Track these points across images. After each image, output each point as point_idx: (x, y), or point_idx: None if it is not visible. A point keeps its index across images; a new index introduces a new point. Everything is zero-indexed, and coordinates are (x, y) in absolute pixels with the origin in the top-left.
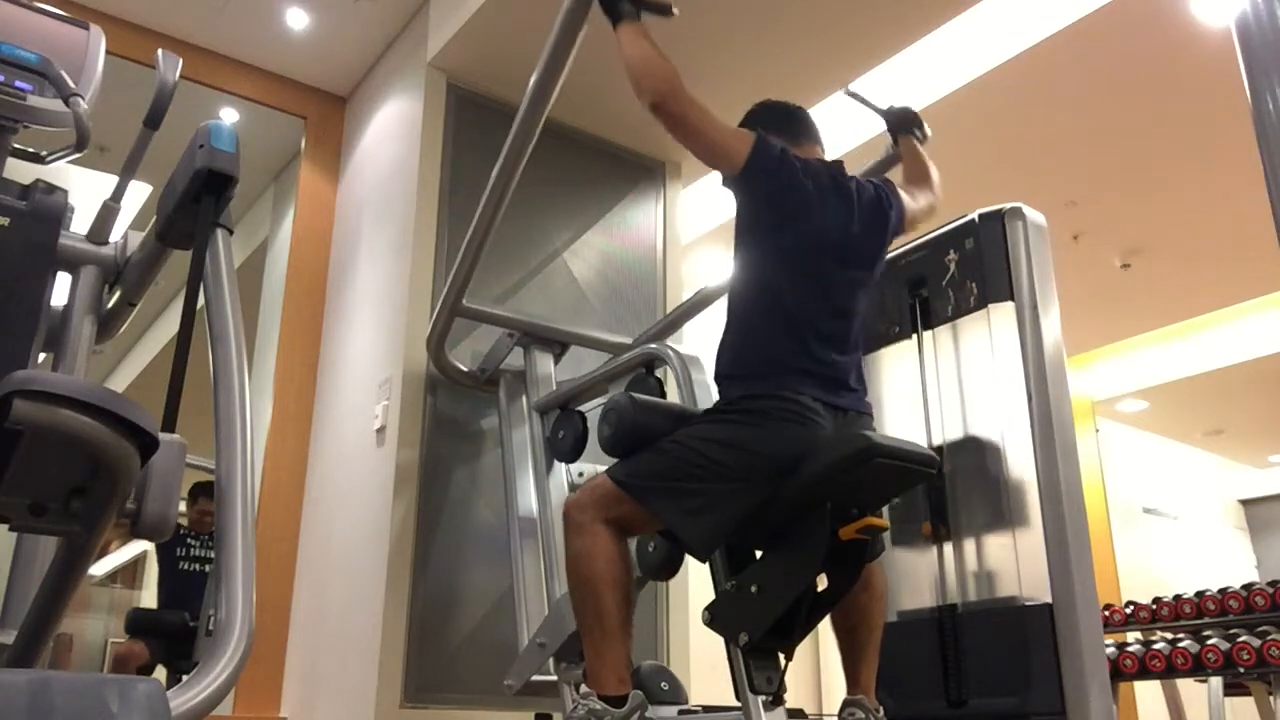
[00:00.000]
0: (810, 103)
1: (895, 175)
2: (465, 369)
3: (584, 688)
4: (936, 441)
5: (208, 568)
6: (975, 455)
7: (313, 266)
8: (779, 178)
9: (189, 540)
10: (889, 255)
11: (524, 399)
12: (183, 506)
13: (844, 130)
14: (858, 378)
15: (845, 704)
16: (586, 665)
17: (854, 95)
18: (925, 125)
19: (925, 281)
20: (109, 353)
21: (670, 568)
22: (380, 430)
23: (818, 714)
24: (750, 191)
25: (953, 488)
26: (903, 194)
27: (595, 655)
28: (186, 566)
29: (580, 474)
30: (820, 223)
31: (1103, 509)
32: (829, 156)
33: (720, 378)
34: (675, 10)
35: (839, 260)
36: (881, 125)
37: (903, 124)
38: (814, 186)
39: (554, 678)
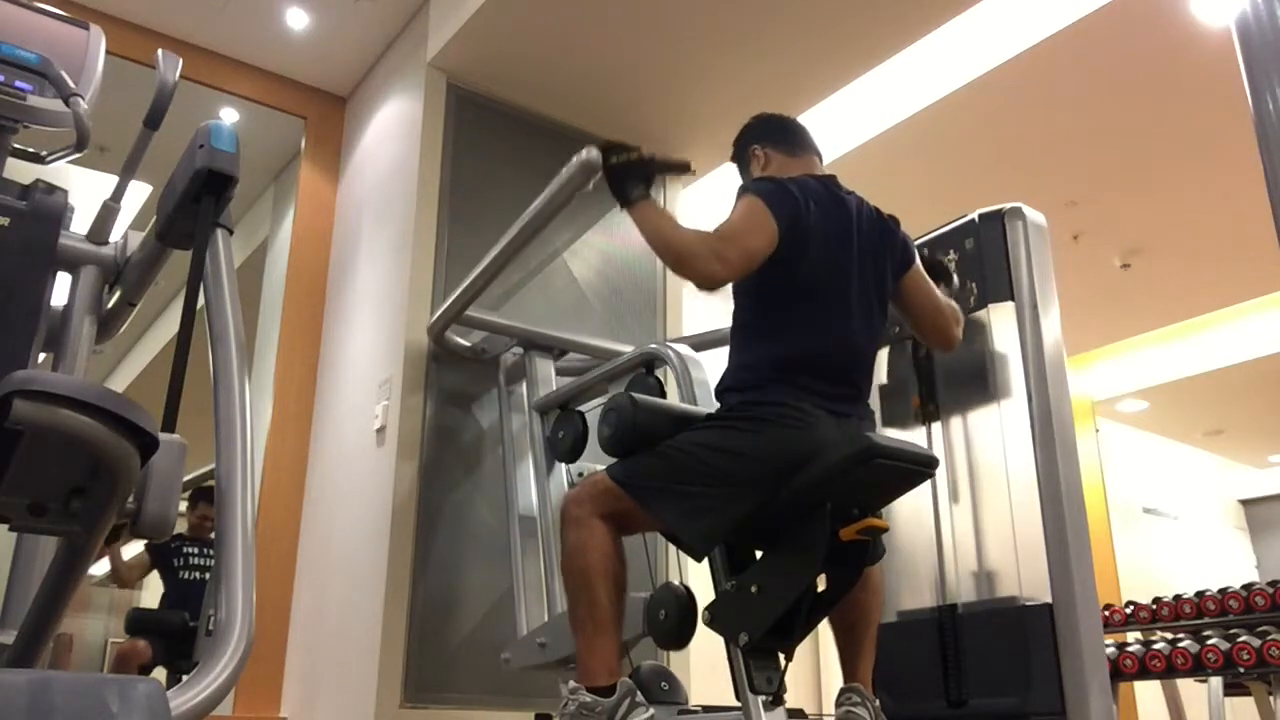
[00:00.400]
0: (811, 102)
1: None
2: (467, 344)
3: (572, 682)
4: (937, 442)
5: (207, 575)
6: (976, 460)
7: (313, 266)
8: (785, 211)
9: (186, 549)
10: None
11: (524, 399)
12: (183, 508)
13: (841, 132)
14: (863, 383)
15: (842, 691)
16: (577, 657)
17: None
18: (955, 278)
19: None
20: (109, 353)
21: (682, 638)
22: (380, 430)
23: (818, 714)
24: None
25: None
26: (918, 262)
27: (586, 647)
28: (186, 575)
29: (580, 474)
30: (817, 234)
31: (1103, 509)
32: (828, 157)
33: (720, 393)
34: (693, 167)
35: (839, 269)
36: (874, 130)
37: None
38: (806, 200)
39: (550, 660)
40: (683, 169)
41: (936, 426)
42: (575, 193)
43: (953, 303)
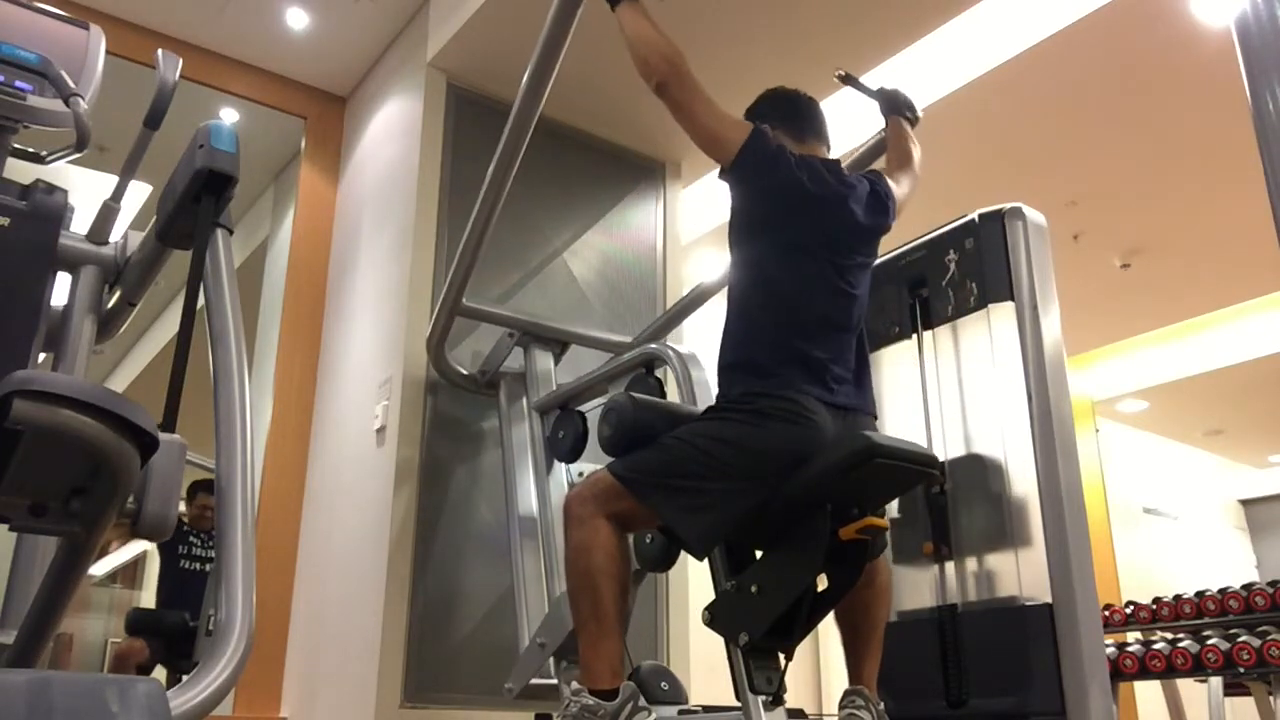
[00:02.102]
0: None
1: (879, 160)
2: (465, 372)
3: (575, 684)
4: (937, 442)
5: (208, 567)
6: (976, 460)
7: (313, 266)
8: (773, 171)
9: (191, 538)
10: (889, 255)
11: (524, 399)
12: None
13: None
14: (860, 368)
15: (846, 694)
16: (580, 659)
17: (846, 79)
18: (916, 107)
19: (925, 281)
20: (109, 353)
21: (667, 560)
22: (380, 430)
23: (818, 714)
24: (743, 183)
25: (954, 500)
26: (891, 183)
27: (590, 648)
28: (188, 565)
29: (580, 474)
30: (817, 216)
31: (1103, 509)
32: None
33: (722, 369)
34: None
35: (840, 253)
36: (874, 130)
37: (894, 106)
38: (810, 180)
39: (554, 681)
40: None
41: (936, 426)
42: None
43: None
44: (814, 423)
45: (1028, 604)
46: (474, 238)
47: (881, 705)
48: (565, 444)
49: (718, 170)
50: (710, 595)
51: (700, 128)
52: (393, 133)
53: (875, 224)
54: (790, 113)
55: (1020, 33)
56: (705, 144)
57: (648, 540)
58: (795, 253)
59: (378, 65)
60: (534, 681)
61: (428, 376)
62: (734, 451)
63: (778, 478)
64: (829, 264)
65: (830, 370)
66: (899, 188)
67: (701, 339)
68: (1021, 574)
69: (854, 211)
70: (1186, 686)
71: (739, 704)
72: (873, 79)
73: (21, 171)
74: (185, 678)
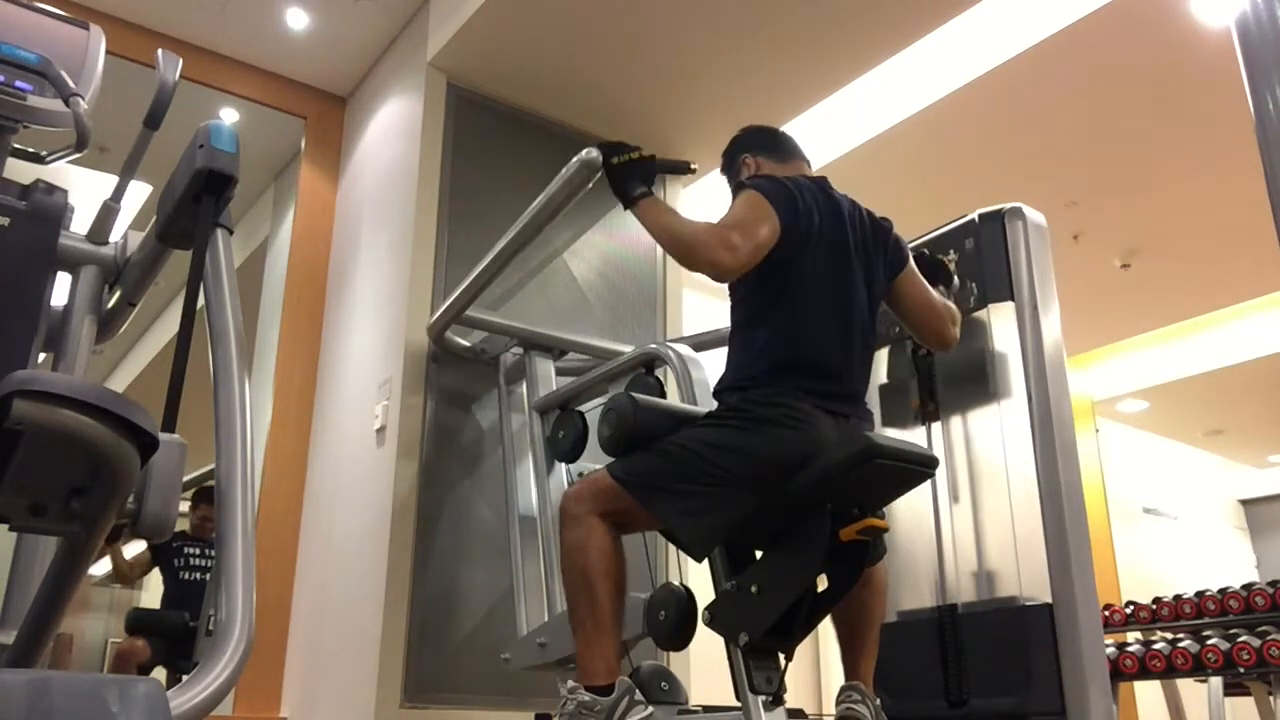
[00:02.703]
0: (811, 102)
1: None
2: (466, 344)
3: (571, 681)
4: (937, 442)
5: (208, 576)
6: (976, 459)
7: (313, 266)
8: (782, 205)
9: (187, 550)
10: None
11: (524, 399)
12: (183, 508)
13: (842, 132)
14: (861, 380)
15: (843, 689)
16: (576, 656)
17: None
18: (955, 279)
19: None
20: (109, 353)
21: (682, 638)
22: (380, 430)
23: (818, 714)
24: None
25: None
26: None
27: (585, 646)
28: (187, 576)
29: (580, 474)
30: (812, 232)
31: (1103, 509)
32: (828, 157)
33: (719, 391)
34: (694, 166)
35: (835, 268)
36: (874, 130)
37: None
38: (804, 198)
39: (550, 660)
40: (683, 169)
41: (936, 426)
42: (576, 193)
43: (949, 303)
44: (812, 427)
45: (1028, 604)
46: (503, 256)
47: (878, 701)
48: (565, 444)
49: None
50: (710, 595)
51: (759, 255)
52: (393, 133)
53: (875, 250)
54: (769, 140)
55: (1020, 33)
56: (770, 245)
57: (661, 617)
58: (795, 269)
59: (378, 65)
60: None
61: (428, 376)
62: (733, 458)
63: (776, 482)
64: (823, 276)
65: (830, 382)
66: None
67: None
68: (1021, 574)
69: (845, 227)
70: (1186, 686)
71: (739, 704)
72: (873, 79)
73: (21, 171)
74: (185, 678)
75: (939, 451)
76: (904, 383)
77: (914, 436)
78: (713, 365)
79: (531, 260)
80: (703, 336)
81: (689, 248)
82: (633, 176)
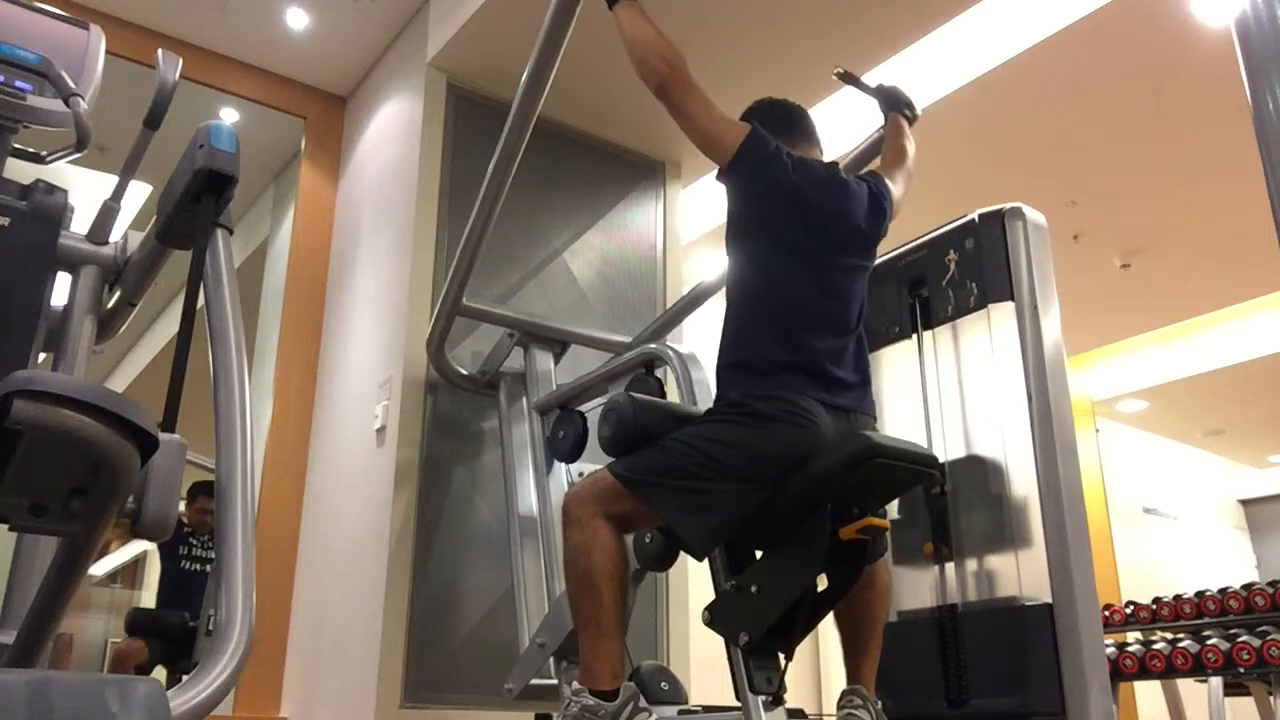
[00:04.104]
0: (811, 102)
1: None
2: (465, 372)
3: (576, 684)
4: (937, 442)
5: (209, 568)
6: (976, 461)
7: (313, 266)
8: (769, 172)
9: (191, 539)
10: (889, 255)
11: (524, 399)
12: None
13: (843, 131)
14: (859, 370)
15: (844, 693)
16: (581, 660)
17: (845, 77)
18: (915, 105)
19: (925, 281)
20: (109, 353)
21: (666, 559)
22: (380, 430)
23: (818, 714)
24: (741, 185)
25: (954, 501)
26: (888, 182)
27: (590, 649)
28: (188, 566)
29: (580, 474)
30: (815, 218)
31: (1103, 509)
32: (828, 156)
33: (720, 369)
34: None
35: (837, 254)
36: (874, 130)
37: (892, 103)
38: (806, 182)
39: (554, 681)
40: None
41: (936, 427)
42: (572, 11)
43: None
44: (814, 424)
45: (1028, 604)
46: (474, 237)
47: (879, 705)
48: (565, 444)
49: (715, 171)
50: (710, 595)
51: (699, 128)
52: (393, 133)
53: (873, 226)
54: (782, 117)
55: (1020, 33)
56: (704, 144)
57: (647, 540)
58: (792, 255)
59: (378, 65)
60: (534, 682)
61: (428, 376)
62: (734, 453)
63: (778, 479)
64: (826, 265)
65: (829, 372)
66: (895, 186)
67: (701, 339)
68: (1021, 574)
69: (851, 213)
70: (1186, 686)
71: (739, 704)
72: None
73: (21, 171)
74: (185, 678)
75: (939, 451)
76: (904, 382)
77: (914, 435)
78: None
79: (531, 260)
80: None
81: (642, 48)
82: None
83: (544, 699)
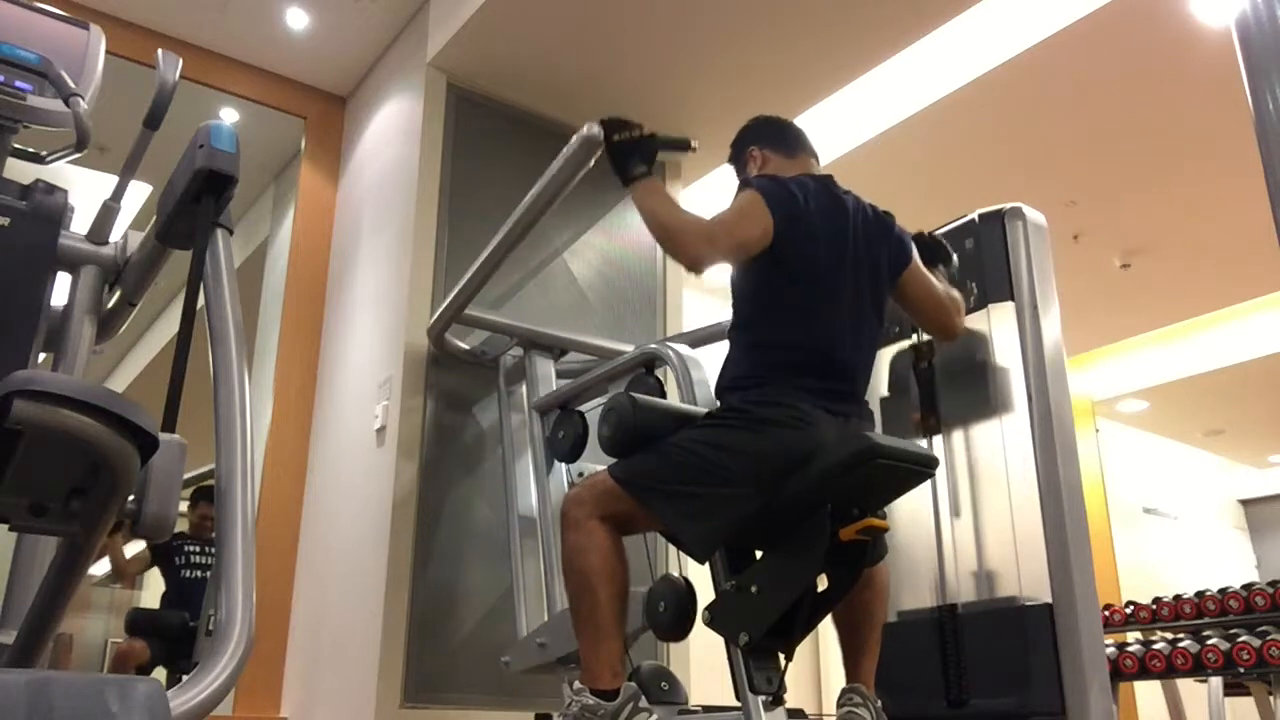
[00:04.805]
0: (811, 102)
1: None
2: (466, 347)
3: (577, 684)
4: (937, 443)
5: (208, 574)
6: (976, 459)
7: (313, 266)
8: (786, 211)
9: (188, 548)
10: None
11: (524, 399)
12: (183, 508)
13: (842, 132)
14: (862, 383)
15: (844, 691)
16: (581, 659)
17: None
18: (954, 257)
19: None
20: (109, 353)
21: (681, 630)
22: (380, 430)
23: (818, 714)
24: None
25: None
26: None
27: (590, 650)
28: (188, 574)
29: (580, 474)
30: (814, 233)
31: (1103, 509)
32: (828, 156)
33: (721, 390)
34: (694, 144)
35: (834, 268)
36: (875, 129)
37: (933, 258)
38: (805, 199)
39: (550, 659)
40: (684, 146)
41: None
42: (578, 171)
43: (953, 291)
44: (812, 427)
45: (1028, 604)
46: (502, 248)
47: (879, 703)
48: (565, 444)
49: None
50: (710, 595)
51: (743, 253)
52: (393, 133)
53: (879, 247)
54: (778, 133)
55: (1020, 33)
56: (749, 255)
57: (661, 608)
58: (792, 267)
59: (378, 65)
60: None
61: (428, 376)
62: (733, 457)
63: (777, 483)
64: (825, 277)
65: (829, 383)
66: (933, 283)
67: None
68: (1021, 574)
69: (850, 226)
70: (1186, 686)
71: (739, 704)
72: (872, 78)
73: (21, 171)
74: (185, 678)
75: (939, 451)
76: (905, 383)
77: (914, 436)
78: (712, 366)
79: (531, 260)
80: (700, 332)
81: (672, 235)
82: (634, 154)
83: (545, 694)
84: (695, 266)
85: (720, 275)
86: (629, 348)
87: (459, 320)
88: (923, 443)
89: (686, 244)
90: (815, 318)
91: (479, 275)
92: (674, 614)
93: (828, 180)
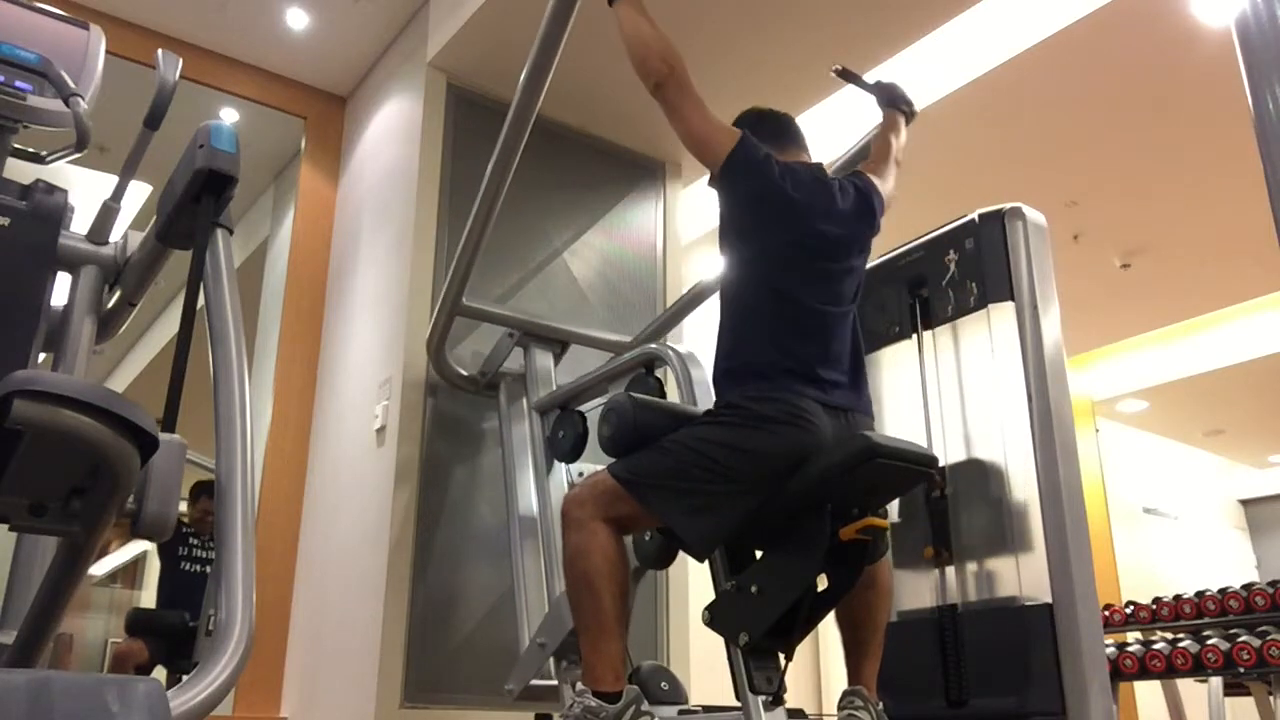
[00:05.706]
0: (810, 103)
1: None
2: (465, 373)
3: (579, 685)
4: (937, 442)
5: (209, 569)
6: (976, 464)
7: (313, 266)
8: (759, 178)
9: (191, 540)
10: (888, 255)
11: (524, 399)
12: (184, 506)
13: (842, 132)
14: (855, 372)
15: (845, 694)
16: (583, 661)
17: (843, 74)
18: (913, 102)
19: (925, 281)
20: (109, 353)
21: (666, 557)
22: (380, 430)
23: (818, 714)
24: (731, 190)
25: (955, 503)
26: (876, 181)
27: (591, 651)
28: (188, 567)
29: (580, 474)
30: (803, 223)
31: (1103, 509)
32: (828, 156)
33: (718, 376)
34: None
35: (826, 258)
36: (874, 129)
37: (891, 99)
38: (794, 187)
39: (554, 682)
40: None
41: (936, 427)
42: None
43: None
44: (812, 425)
45: (1028, 604)
46: (473, 236)
47: (880, 705)
48: (565, 444)
49: (707, 178)
50: (710, 595)
51: (692, 131)
52: (393, 133)
53: (862, 228)
54: (771, 124)
55: (1020, 33)
56: (696, 148)
57: (646, 538)
58: (783, 258)
59: (378, 65)
60: (534, 682)
61: (428, 376)
62: (733, 455)
63: (777, 480)
64: (817, 268)
65: (825, 373)
66: (882, 181)
67: (702, 338)
68: (1021, 574)
69: (839, 215)
70: (1186, 686)
71: (739, 704)
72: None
73: (21, 171)
74: (185, 678)
75: (939, 451)
76: (904, 382)
77: (914, 435)
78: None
79: (531, 260)
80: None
81: (647, 54)
82: None
83: (544, 699)
84: (648, 82)
85: (718, 277)
86: (627, 338)
87: (458, 312)
88: (922, 431)
89: (654, 61)
90: (803, 306)
91: (465, 255)
92: (658, 544)
93: (817, 168)
